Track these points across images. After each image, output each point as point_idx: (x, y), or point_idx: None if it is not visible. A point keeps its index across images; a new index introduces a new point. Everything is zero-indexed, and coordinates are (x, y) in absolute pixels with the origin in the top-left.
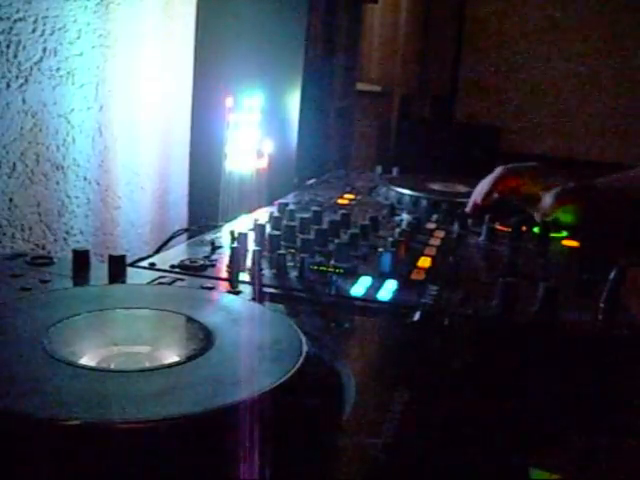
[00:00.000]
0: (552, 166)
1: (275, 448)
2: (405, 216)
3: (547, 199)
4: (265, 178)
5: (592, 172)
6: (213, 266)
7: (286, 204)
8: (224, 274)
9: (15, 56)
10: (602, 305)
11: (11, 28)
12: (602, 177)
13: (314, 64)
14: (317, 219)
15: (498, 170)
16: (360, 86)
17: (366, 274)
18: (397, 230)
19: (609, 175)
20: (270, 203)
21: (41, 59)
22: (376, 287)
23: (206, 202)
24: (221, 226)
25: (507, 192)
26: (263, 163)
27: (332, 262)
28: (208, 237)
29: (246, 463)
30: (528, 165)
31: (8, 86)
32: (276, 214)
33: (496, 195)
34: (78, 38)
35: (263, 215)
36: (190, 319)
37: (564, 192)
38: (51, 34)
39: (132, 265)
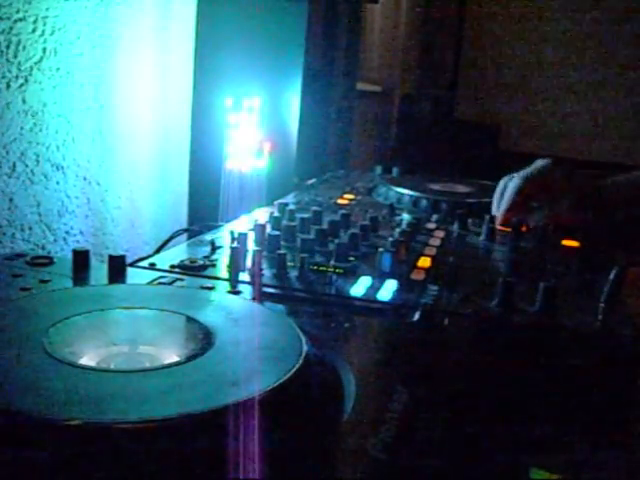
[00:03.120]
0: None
1: (275, 448)
2: (405, 216)
3: (536, 215)
4: (265, 178)
5: (592, 172)
6: (213, 266)
7: (286, 204)
8: (224, 274)
9: (15, 56)
10: (602, 305)
11: (11, 28)
12: (606, 177)
13: (314, 64)
14: (317, 219)
15: (517, 184)
16: (360, 86)
17: (366, 274)
18: (397, 230)
19: (615, 176)
20: (270, 203)
21: (41, 59)
22: (376, 287)
23: (206, 202)
24: (221, 226)
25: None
26: (263, 163)
27: (332, 262)
28: (208, 237)
29: (246, 463)
30: (540, 168)
31: (8, 86)
32: (276, 214)
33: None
34: (78, 38)
35: (263, 215)
36: (190, 319)
37: (555, 213)
38: (51, 34)
39: (132, 265)
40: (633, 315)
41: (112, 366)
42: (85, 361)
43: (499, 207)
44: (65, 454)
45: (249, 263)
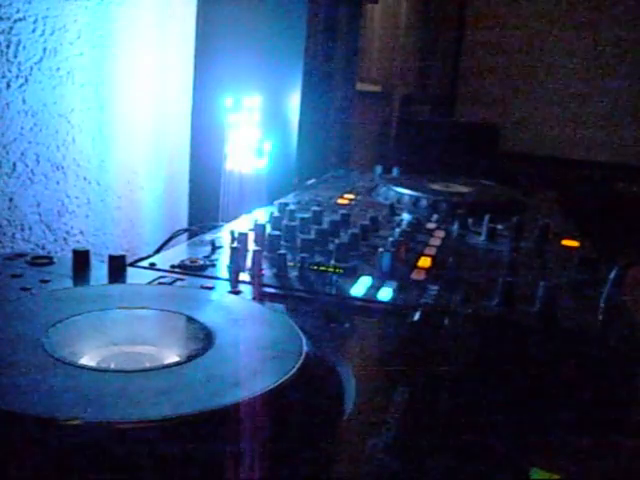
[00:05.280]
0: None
1: (275, 448)
2: (405, 216)
3: None
4: (265, 178)
5: (592, 172)
6: (213, 266)
7: (286, 204)
8: (224, 274)
9: (15, 56)
10: (602, 305)
11: (11, 28)
12: (604, 178)
13: (314, 64)
14: (317, 219)
15: None
16: (360, 86)
17: (366, 274)
18: (397, 230)
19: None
20: (270, 203)
21: (41, 59)
22: (376, 287)
23: (206, 202)
24: (221, 226)
25: None
26: (263, 163)
27: (332, 262)
28: (208, 237)
29: (246, 463)
30: None
31: (8, 86)
32: (276, 214)
33: None
34: (78, 38)
35: (263, 215)
36: (190, 319)
37: None
38: (51, 34)
39: (132, 265)
40: (633, 315)
41: (112, 366)
42: (85, 361)
43: None
44: (65, 454)
45: (249, 263)
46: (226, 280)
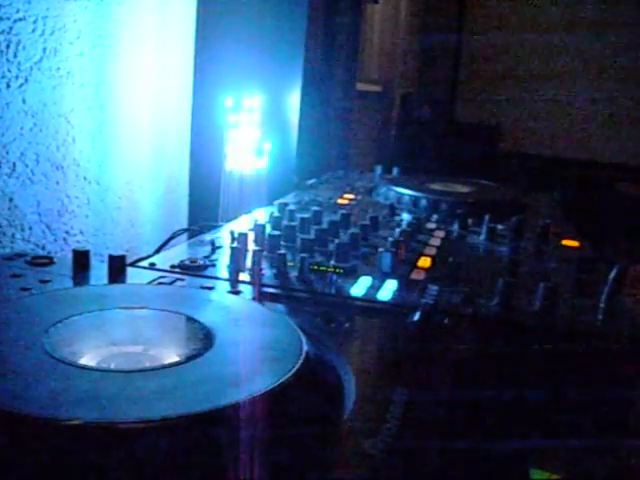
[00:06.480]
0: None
1: (275, 448)
2: (405, 216)
3: None
4: (265, 178)
5: (592, 172)
6: (213, 266)
7: (286, 204)
8: (224, 274)
9: (15, 56)
10: (602, 305)
11: (11, 28)
12: (604, 178)
13: (314, 64)
14: (317, 219)
15: None
16: (360, 86)
17: (366, 274)
18: (397, 230)
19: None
20: (270, 203)
21: (41, 59)
22: (376, 287)
23: (206, 202)
24: (221, 226)
25: None
26: (263, 163)
27: (332, 262)
28: (208, 237)
29: (246, 463)
30: None
31: (8, 86)
32: (276, 214)
33: None
34: (78, 38)
35: (263, 215)
36: (190, 319)
37: None
38: (51, 34)
39: (132, 265)
40: (633, 315)
41: (112, 366)
42: (85, 361)
43: None
44: (65, 454)
45: (249, 263)
46: (226, 280)
